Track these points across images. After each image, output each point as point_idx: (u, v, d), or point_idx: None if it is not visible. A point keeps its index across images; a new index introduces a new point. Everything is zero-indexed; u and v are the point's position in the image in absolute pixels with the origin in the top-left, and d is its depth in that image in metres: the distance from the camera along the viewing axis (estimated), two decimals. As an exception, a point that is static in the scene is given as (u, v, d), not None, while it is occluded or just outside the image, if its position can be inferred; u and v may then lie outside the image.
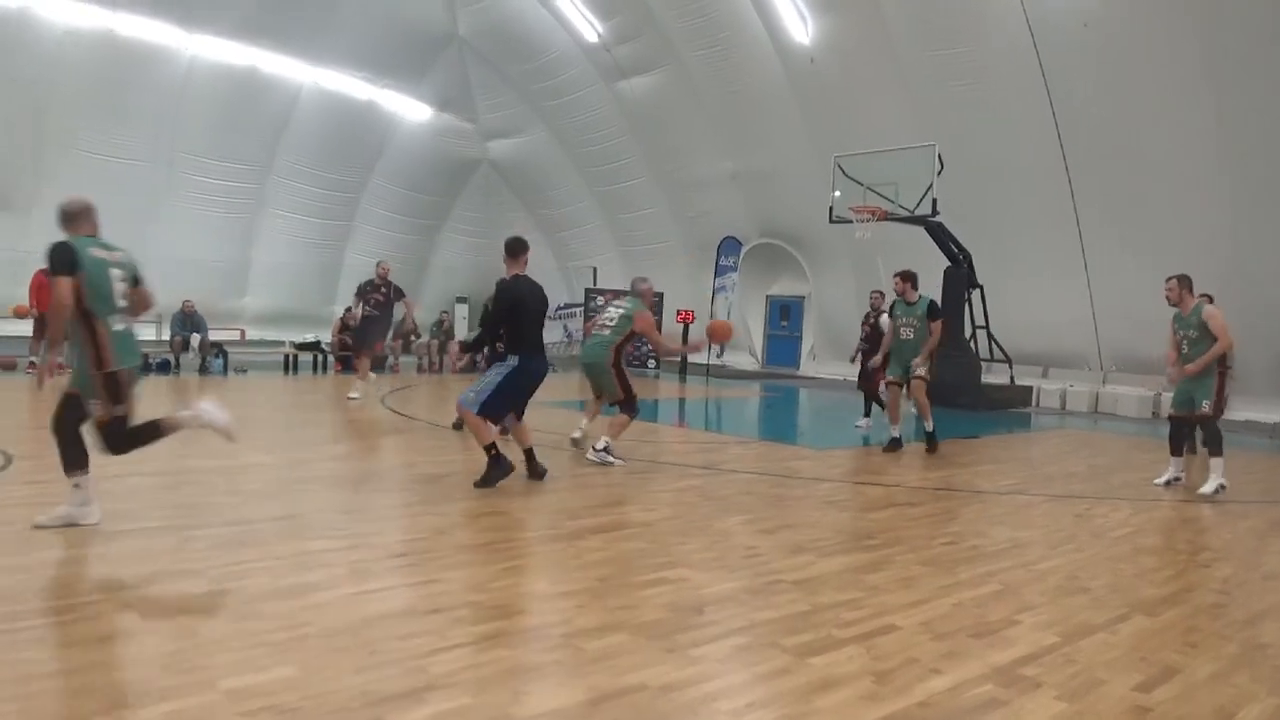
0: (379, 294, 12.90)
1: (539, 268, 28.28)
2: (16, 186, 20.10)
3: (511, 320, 6.69)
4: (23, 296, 14.20)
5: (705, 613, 3.90)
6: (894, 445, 9.51)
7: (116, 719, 2.64)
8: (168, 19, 19.98)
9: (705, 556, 4.89)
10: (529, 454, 6.94)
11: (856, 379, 12.33)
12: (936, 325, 9.52)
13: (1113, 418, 15.57)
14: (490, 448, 6.47)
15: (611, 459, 7.80)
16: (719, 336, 8.62)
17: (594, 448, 7.90)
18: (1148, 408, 15.73)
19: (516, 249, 6.88)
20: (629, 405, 8.24)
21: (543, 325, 6.93)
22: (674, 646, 3.47)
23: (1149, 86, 14.50)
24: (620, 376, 8.26)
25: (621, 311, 8.45)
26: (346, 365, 18.05)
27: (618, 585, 4.26)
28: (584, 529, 5.39)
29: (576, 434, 8.93)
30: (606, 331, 8.36)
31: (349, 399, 12.24)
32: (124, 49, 19.92)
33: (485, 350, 8.53)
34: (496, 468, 6.48)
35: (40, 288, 13.82)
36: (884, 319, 10.86)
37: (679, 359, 21.49)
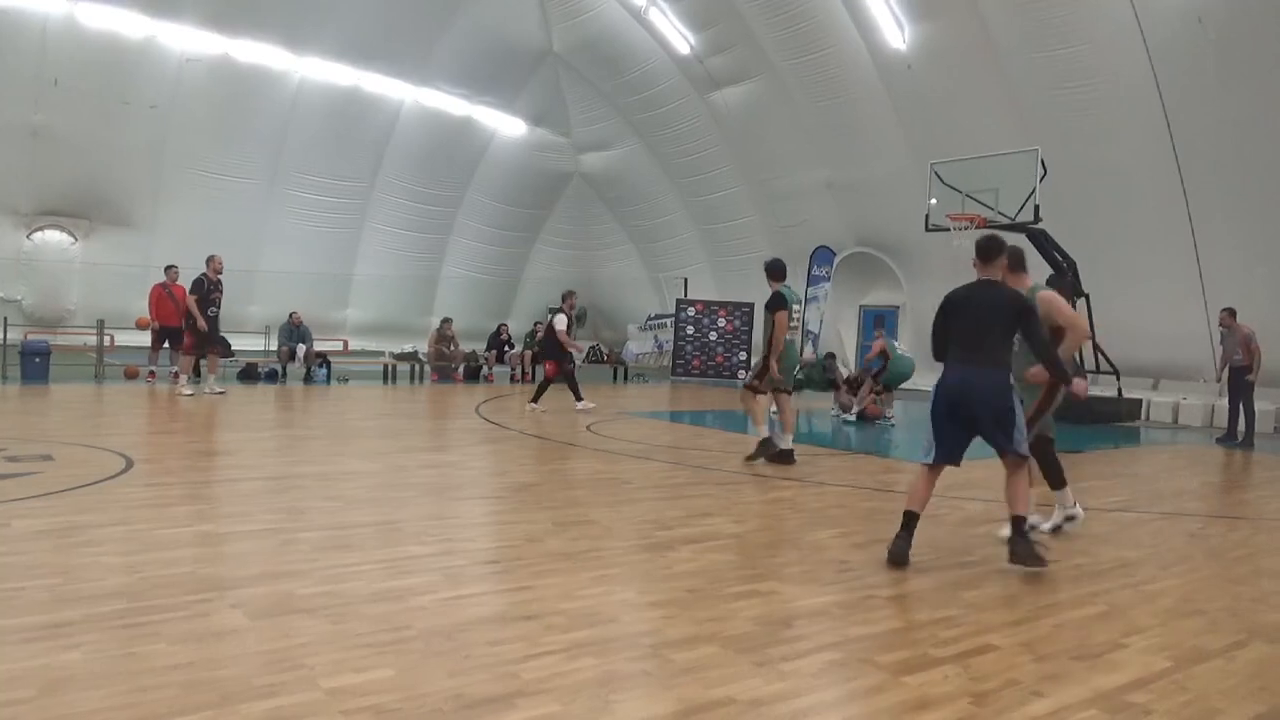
0: (219, 291, 13.31)
1: (629, 278, 28.65)
2: (138, 205, 21.30)
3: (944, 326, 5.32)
4: (143, 309, 14.95)
5: (794, 627, 3.85)
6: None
7: (225, 713, 2.76)
8: (279, 43, 20.91)
9: (796, 570, 4.83)
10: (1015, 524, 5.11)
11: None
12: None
13: (1230, 433, 14.79)
14: (908, 514, 5.10)
15: None
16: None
17: None
18: (1269, 422, 14.88)
19: (984, 252, 5.32)
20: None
21: (985, 334, 5.12)
22: (764, 660, 3.44)
23: (1271, 85, 13.78)
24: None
25: None
26: (443, 375, 18.48)
27: (707, 597, 4.24)
28: (674, 540, 5.39)
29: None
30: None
31: (186, 394, 12.65)
32: (239, 73, 20.92)
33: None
34: (1021, 544, 4.98)
35: (159, 300, 14.53)
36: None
37: None
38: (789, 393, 9.05)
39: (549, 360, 13.36)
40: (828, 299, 22.48)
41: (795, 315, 8.86)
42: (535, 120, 26.56)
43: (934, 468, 5.22)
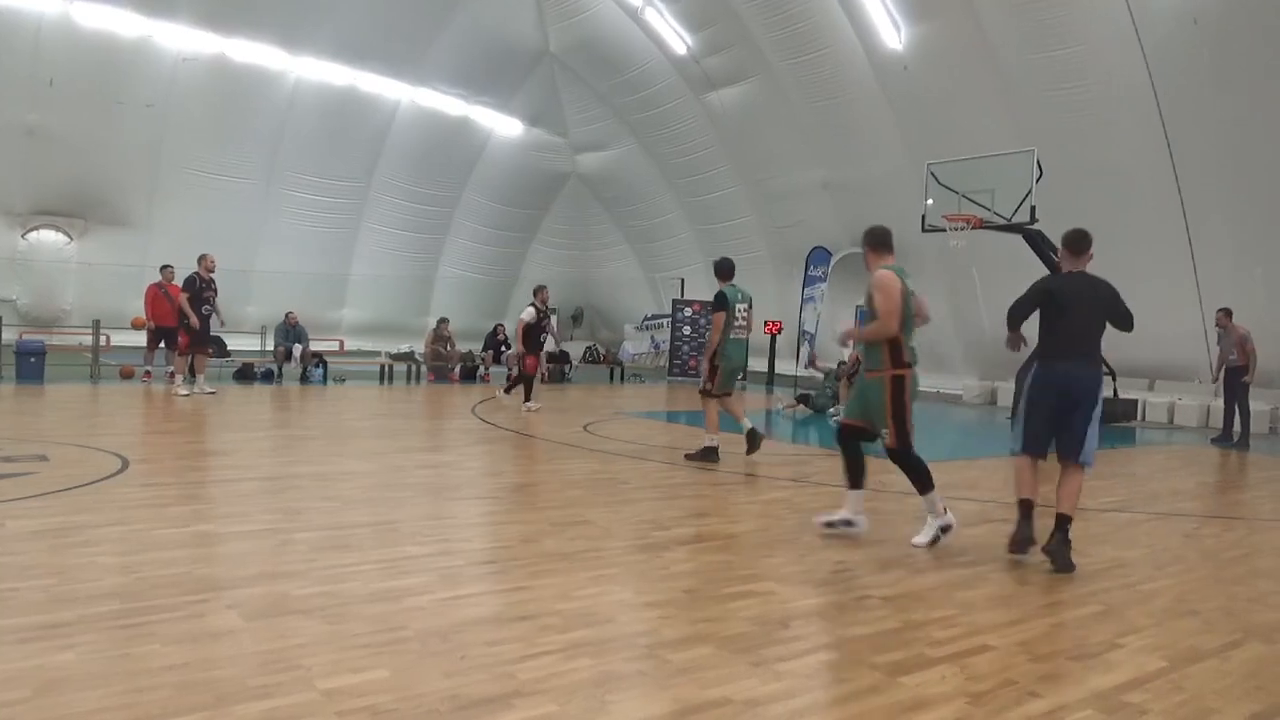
0: (213, 290, 13.24)
1: (625, 278, 28.52)
2: (133, 205, 21.26)
3: (1042, 317, 5.38)
4: (139, 309, 14.92)
5: (790, 627, 3.85)
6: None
7: (221, 714, 2.75)
8: (275, 42, 20.86)
9: (792, 570, 4.83)
10: (1057, 522, 5.13)
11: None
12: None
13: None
14: (1023, 503, 5.24)
15: None
16: None
17: None
18: (1264, 423, 14.92)
19: (1075, 244, 5.54)
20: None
21: (1088, 329, 5.26)
22: (760, 661, 3.44)
23: (1267, 85, 13.80)
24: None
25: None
26: (440, 376, 18.46)
27: (703, 597, 4.24)
28: (670, 540, 5.39)
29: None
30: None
31: (182, 395, 12.56)
32: (234, 72, 20.87)
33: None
34: (1057, 546, 5.06)
35: (154, 299, 14.49)
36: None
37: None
38: (727, 394, 9.06)
39: (528, 355, 13.28)
40: (824, 299, 22.49)
41: (742, 314, 8.84)
42: (532, 120, 26.53)
43: (1031, 457, 5.31)
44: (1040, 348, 5.34)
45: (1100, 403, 5.18)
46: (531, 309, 13.02)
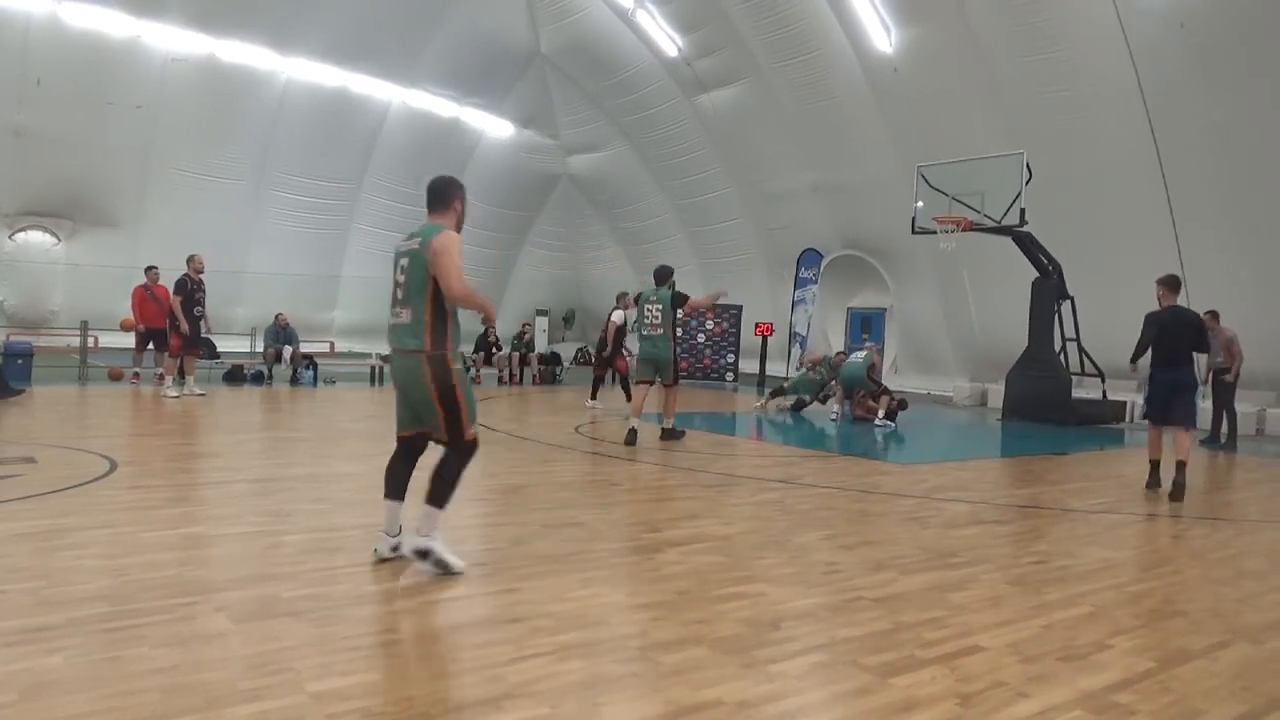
0: (203, 291, 13.28)
1: (618, 279, 28.42)
2: (122, 206, 21.17)
3: (1154, 339, 8.14)
4: (128, 310, 14.84)
5: (782, 628, 3.86)
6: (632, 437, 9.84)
7: (210, 717, 2.74)
8: (265, 43, 20.80)
9: (784, 572, 4.84)
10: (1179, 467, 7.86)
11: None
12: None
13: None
14: (1152, 461, 8.37)
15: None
16: None
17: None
18: (1251, 424, 15.01)
19: (1173, 284, 8.41)
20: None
21: (1181, 346, 8.07)
22: (751, 662, 3.44)
23: (1252, 89, 13.89)
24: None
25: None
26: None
27: (695, 599, 4.24)
28: (661, 541, 5.39)
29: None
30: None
31: (171, 396, 12.46)
32: (224, 73, 20.81)
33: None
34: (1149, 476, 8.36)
35: (142, 301, 14.42)
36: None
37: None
38: (639, 384, 10.33)
39: (619, 358, 14.82)
40: (815, 301, 22.54)
41: (651, 314, 10.00)
42: (523, 122, 26.53)
43: (1156, 427, 8.28)
44: (1153, 358, 8.12)
45: (1195, 390, 8.18)
46: (621, 312, 14.32)
